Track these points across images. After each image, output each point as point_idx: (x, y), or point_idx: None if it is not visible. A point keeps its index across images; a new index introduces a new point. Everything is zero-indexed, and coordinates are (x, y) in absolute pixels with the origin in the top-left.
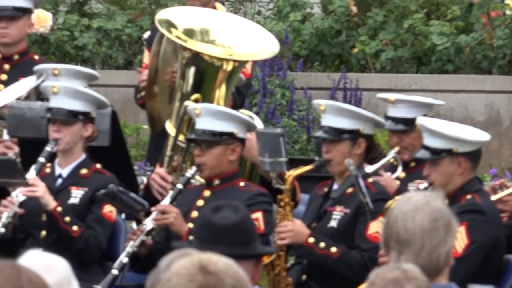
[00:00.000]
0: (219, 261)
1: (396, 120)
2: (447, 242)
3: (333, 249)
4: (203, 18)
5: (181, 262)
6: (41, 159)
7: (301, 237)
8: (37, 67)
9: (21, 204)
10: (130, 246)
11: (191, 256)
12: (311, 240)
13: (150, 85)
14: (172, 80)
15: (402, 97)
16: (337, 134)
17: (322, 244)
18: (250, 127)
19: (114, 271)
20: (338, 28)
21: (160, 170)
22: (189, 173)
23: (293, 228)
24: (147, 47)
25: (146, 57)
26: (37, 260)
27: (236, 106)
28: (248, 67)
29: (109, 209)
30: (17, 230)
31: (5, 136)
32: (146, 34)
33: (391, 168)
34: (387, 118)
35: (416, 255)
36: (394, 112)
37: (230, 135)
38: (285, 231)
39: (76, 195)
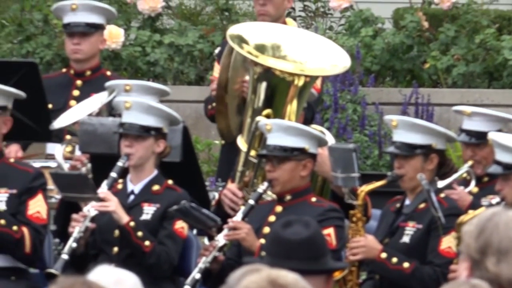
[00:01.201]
0: (288, 276)
1: (470, 133)
2: None
3: (406, 265)
4: (274, 33)
5: (250, 278)
6: (113, 174)
7: (373, 252)
8: (108, 83)
9: (93, 219)
10: (203, 262)
11: (261, 271)
12: (384, 255)
13: (220, 97)
14: (241, 89)
15: (478, 110)
16: (409, 150)
17: (395, 260)
18: (321, 142)
19: (187, 287)
20: (409, 43)
21: (232, 186)
22: (260, 188)
23: (365, 243)
24: (217, 61)
25: (216, 71)
26: (107, 275)
27: (307, 121)
28: (318, 82)
29: (180, 225)
30: (89, 245)
31: (77, 152)
32: (218, 50)
33: (464, 182)
34: (462, 131)
35: None
36: (469, 125)
37: (302, 151)
38: (358, 246)
39: (148, 211)
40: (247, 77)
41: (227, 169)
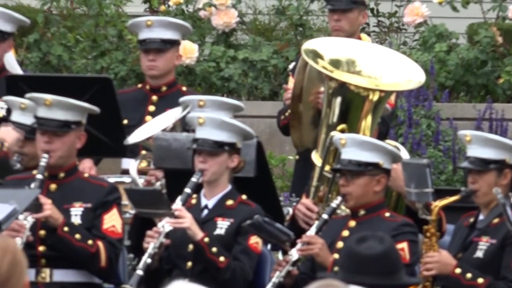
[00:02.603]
0: None
1: None
2: None
3: (480, 280)
4: (349, 48)
5: None
6: (187, 190)
7: (447, 267)
8: (182, 99)
9: (167, 235)
10: (276, 277)
11: (334, 286)
12: (458, 270)
13: (294, 109)
14: (316, 101)
15: None
16: (483, 165)
17: (469, 275)
18: (395, 157)
19: None
20: (483, 59)
21: (306, 201)
22: (334, 203)
23: (439, 258)
24: (292, 76)
25: (291, 85)
26: None
27: (381, 136)
28: (392, 97)
29: (255, 240)
30: (163, 261)
31: (152, 167)
32: (292, 65)
33: None
34: None
35: None
36: None
37: (376, 166)
38: (432, 261)
39: (222, 226)
40: (322, 89)
41: (301, 184)
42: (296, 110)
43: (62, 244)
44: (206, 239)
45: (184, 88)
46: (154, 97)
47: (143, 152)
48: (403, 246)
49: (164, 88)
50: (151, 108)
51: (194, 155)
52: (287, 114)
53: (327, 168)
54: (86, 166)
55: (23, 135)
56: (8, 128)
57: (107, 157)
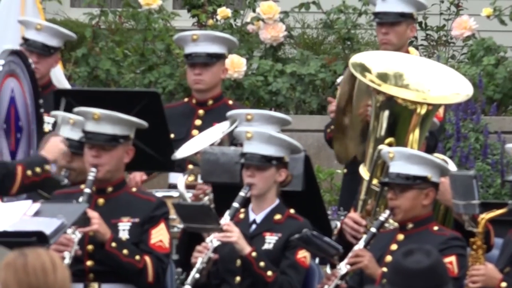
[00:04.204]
0: None
1: None
2: None
3: None
4: (396, 62)
5: None
6: (235, 204)
7: (493, 281)
8: (230, 113)
9: (216, 250)
10: None
11: None
12: (504, 285)
13: (338, 121)
14: (365, 113)
15: None
16: None
17: None
18: (444, 171)
19: None
20: None
21: (354, 215)
22: (382, 216)
23: (485, 272)
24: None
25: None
26: None
27: (430, 150)
28: (441, 111)
29: (303, 255)
30: (211, 276)
31: (199, 182)
32: (340, 79)
33: None
34: None
35: None
36: None
37: (424, 179)
38: (478, 274)
39: (270, 241)
40: (370, 102)
41: (349, 198)
42: (341, 122)
43: (110, 260)
44: (254, 254)
45: (230, 102)
46: (201, 111)
47: (191, 166)
48: (451, 259)
49: (210, 102)
50: (198, 122)
51: (242, 170)
52: (332, 127)
53: (375, 181)
54: (137, 174)
55: (71, 149)
56: (56, 140)
57: (155, 171)
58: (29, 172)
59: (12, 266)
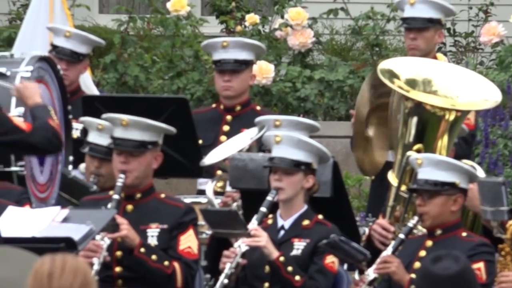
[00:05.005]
0: None
1: None
2: None
3: None
4: (425, 68)
5: None
6: (263, 209)
7: None
8: (258, 119)
9: (244, 255)
10: None
11: None
12: None
13: (359, 131)
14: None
15: None
16: None
17: None
18: (472, 177)
19: None
20: None
21: (382, 221)
22: (411, 223)
23: None
24: None
25: None
26: None
27: (458, 156)
28: (472, 118)
29: (331, 260)
30: (240, 281)
31: (228, 188)
32: (368, 75)
33: None
34: None
35: None
36: None
37: (452, 185)
38: (506, 281)
39: (299, 246)
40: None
41: (378, 204)
42: (361, 135)
43: (139, 265)
44: (282, 258)
45: (258, 108)
46: (229, 117)
47: (219, 172)
48: (479, 266)
49: (238, 108)
50: (226, 128)
51: (270, 174)
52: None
53: (403, 188)
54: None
55: (99, 155)
56: (24, 86)
57: (184, 178)
58: (55, 119)
59: (33, 272)
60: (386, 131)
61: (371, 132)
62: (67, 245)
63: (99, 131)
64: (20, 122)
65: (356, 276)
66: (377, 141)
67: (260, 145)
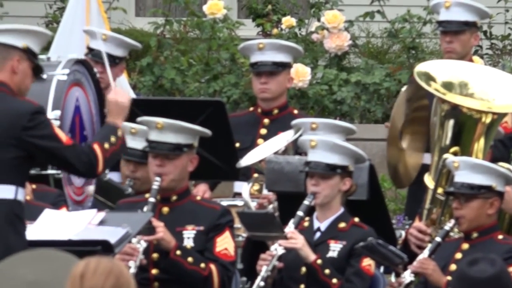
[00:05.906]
0: None
1: None
2: None
3: None
4: (461, 71)
5: None
6: (300, 213)
7: None
8: (294, 122)
9: (280, 258)
10: None
11: None
12: None
13: (393, 138)
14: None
15: None
16: None
17: None
18: (508, 180)
19: None
20: None
21: (418, 224)
22: (448, 226)
23: None
24: None
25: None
26: None
27: (495, 159)
28: (509, 121)
29: (368, 263)
30: (276, 284)
31: (264, 191)
32: (404, 88)
33: None
34: None
35: None
36: None
37: (489, 189)
38: None
39: (335, 248)
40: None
41: (414, 207)
42: (395, 142)
43: (175, 268)
44: (319, 261)
45: (295, 111)
46: (266, 120)
47: (256, 175)
48: None
49: (275, 111)
50: (263, 131)
51: (306, 178)
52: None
53: (440, 190)
54: (200, 190)
55: (134, 159)
56: (115, 100)
57: (220, 180)
58: (106, 146)
59: (70, 274)
60: (420, 144)
61: (404, 144)
62: (104, 248)
63: (132, 135)
64: (61, 133)
65: (393, 279)
66: (410, 153)
67: (296, 147)
